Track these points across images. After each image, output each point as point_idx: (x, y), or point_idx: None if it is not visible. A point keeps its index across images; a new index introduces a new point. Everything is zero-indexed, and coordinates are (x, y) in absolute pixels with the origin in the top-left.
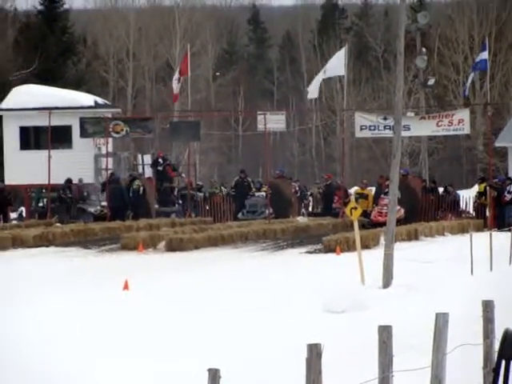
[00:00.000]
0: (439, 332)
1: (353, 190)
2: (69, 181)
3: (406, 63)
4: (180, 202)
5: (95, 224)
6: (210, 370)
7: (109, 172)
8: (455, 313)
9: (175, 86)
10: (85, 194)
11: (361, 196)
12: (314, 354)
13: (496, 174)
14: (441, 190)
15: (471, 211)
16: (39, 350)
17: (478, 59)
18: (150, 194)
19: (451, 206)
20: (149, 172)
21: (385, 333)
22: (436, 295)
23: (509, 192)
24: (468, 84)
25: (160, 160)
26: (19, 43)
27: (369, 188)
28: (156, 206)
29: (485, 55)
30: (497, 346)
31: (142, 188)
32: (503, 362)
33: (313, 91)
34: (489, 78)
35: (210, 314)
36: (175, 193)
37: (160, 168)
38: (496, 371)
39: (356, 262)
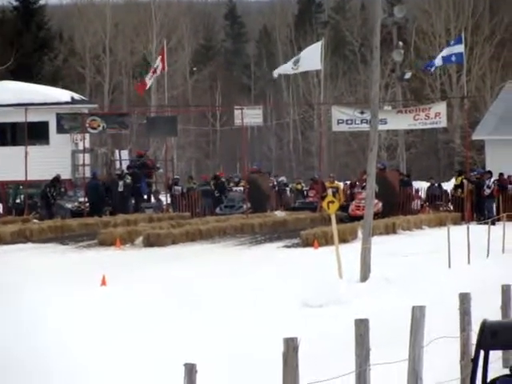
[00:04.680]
0: (416, 325)
1: None
2: (56, 178)
3: (382, 57)
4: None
5: (72, 220)
6: (186, 364)
7: (81, 169)
8: (432, 306)
9: (148, 80)
10: (62, 189)
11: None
12: (291, 348)
13: (473, 167)
14: (425, 184)
15: (449, 204)
16: (19, 346)
17: (451, 52)
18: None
19: (430, 199)
20: (125, 169)
21: (362, 326)
22: (413, 288)
23: (488, 186)
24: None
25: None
26: None
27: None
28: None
29: (460, 48)
30: (474, 338)
31: (131, 183)
32: (482, 353)
33: (277, 72)
34: (465, 71)
35: (188, 308)
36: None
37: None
38: (474, 362)
39: (334, 256)
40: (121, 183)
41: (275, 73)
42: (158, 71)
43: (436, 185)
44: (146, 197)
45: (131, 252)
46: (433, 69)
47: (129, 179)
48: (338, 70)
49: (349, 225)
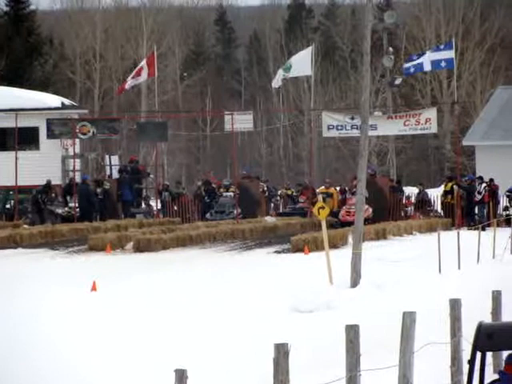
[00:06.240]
0: (406, 331)
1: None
2: (47, 184)
3: (373, 63)
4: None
5: (63, 225)
6: (176, 370)
7: (71, 174)
8: (423, 311)
9: (130, 81)
10: (53, 195)
11: (326, 195)
12: (282, 353)
13: (464, 172)
14: (414, 190)
15: (439, 210)
16: (8, 351)
17: (441, 57)
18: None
19: (420, 204)
20: (116, 173)
21: (352, 332)
22: (404, 294)
23: (479, 192)
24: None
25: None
26: None
27: (333, 188)
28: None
29: (451, 54)
30: (464, 344)
31: (110, 188)
32: (478, 355)
33: (277, 81)
34: (456, 77)
35: (178, 313)
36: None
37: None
38: (471, 364)
39: (324, 262)
40: (99, 190)
41: (274, 84)
42: (144, 75)
43: (425, 191)
44: (133, 203)
45: (122, 257)
46: (413, 70)
47: (107, 185)
48: (328, 75)
49: (339, 230)
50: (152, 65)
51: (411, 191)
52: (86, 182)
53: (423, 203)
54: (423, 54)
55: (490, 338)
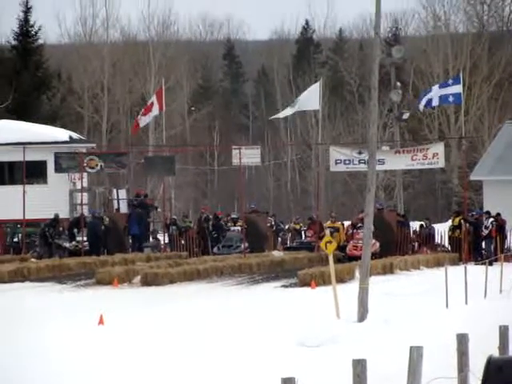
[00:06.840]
0: (414, 365)
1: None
2: (55, 218)
3: (380, 97)
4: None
5: (70, 259)
6: None
7: (78, 208)
8: (430, 346)
9: (142, 118)
10: (60, 229)
11: (333, 229)
12: None
13: (471, 207)
14: (417, 224)
15: (446, 245)
16: None
17: (448, 92)
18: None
19: (427, 239)
20: (124, 207)
21: (359, 366)
22: (411, 329)
23: (486, 227)
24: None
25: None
26: None
27: (339, 222)
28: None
29: (459, 89)
30: (471, 379)
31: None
32: None
33: (279, 114)
34: (463, 111)
35: (185, 347)
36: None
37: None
38: None
39: (331, 296)
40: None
41: (275, 117)
42: (155, 110)
43: (430, 225)
44: (140, 237)
45: (129, 291)
46: (421, 106)
47: (106, 220)
48: (335, 110)
49: (346, 265)
50: (160, 99)
51: (417, 226)
52: (95, 216)
53: (430, 238)
54: (430, 90)
55: (499, 371)
